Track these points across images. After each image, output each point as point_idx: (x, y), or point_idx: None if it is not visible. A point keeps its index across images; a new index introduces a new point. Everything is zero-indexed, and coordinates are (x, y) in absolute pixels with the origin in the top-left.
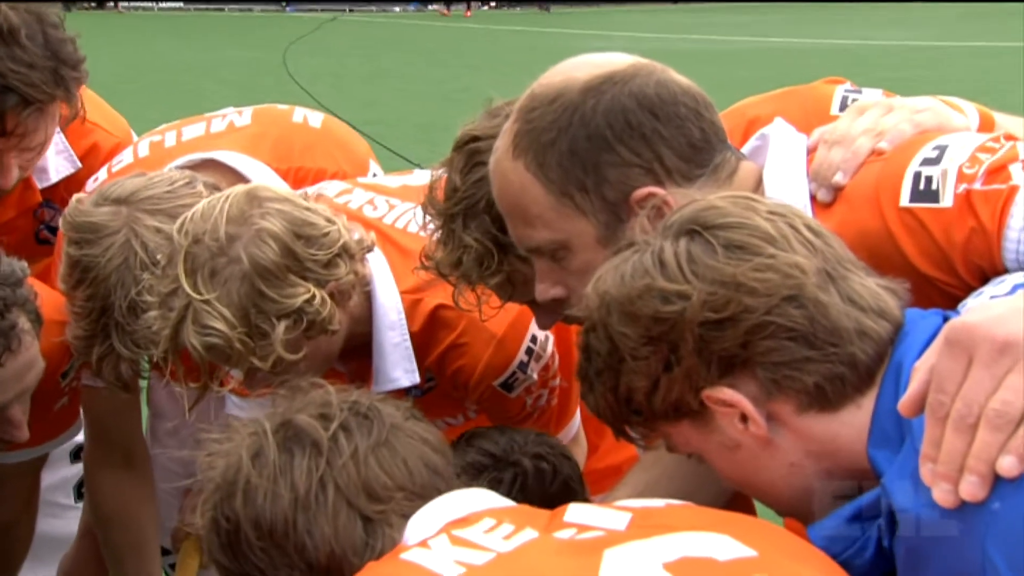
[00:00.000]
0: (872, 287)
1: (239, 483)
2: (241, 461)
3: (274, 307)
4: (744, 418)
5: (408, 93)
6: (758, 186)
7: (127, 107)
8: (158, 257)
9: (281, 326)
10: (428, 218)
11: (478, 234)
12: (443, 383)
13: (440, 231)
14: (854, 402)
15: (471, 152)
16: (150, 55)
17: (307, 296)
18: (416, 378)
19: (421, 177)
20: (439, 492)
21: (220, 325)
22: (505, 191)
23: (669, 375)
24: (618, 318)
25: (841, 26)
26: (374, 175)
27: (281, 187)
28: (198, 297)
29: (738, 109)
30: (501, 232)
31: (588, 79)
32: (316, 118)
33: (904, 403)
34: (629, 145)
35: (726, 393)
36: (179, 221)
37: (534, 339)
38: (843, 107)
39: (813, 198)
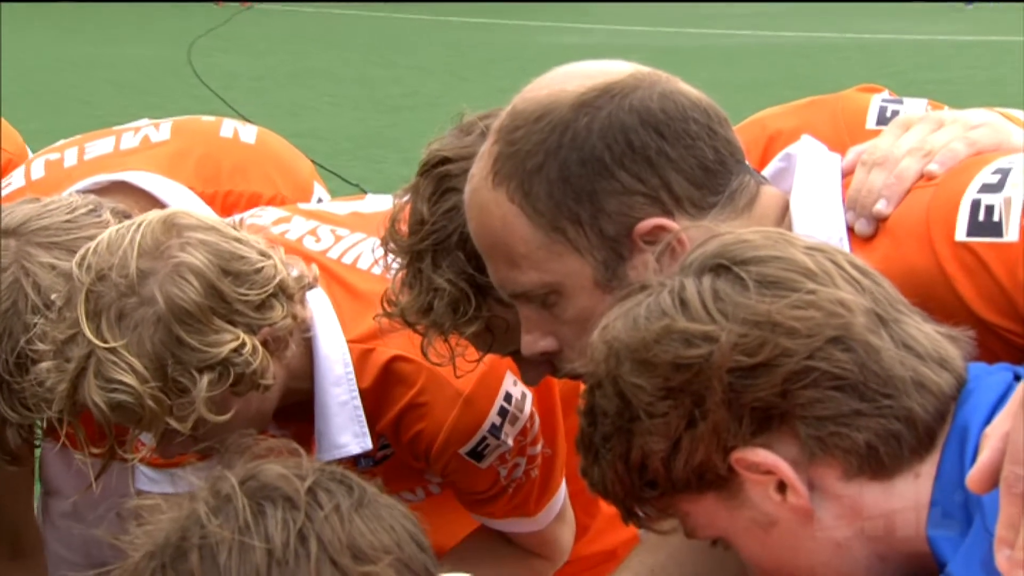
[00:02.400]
0: (931, 333)
1: (191, 540)
2: (196, 515)
3: (195, 357)
4: (782, 487)
5: (343, 99)
6: (783, 216)
7: None
8: (52, 298)
9: (204, 380)
10: (390, 256)
11: (451, 274)
12: (400, 451)
13: (405, 271)
14: (912, 469)
15: (440, 176)
16: (27, 52)
17: (235, 344)
18: (367, 444)
19: (374, 203)
20: (428, 573)
21: (129, 379)
22: (484, 226)
23: (693, 434)
24: (631, 368)
25: (864, 18)
26: (319, 200)
27: (206, 214)
28: (102, 345)
29: (757, 121)
30: (479, 271)
31: (580, 92)
32: (249, 132)
33: (973, 476)
34: (631, 170)
35: (761, 455)
36: (79, 254)
37: (508, 397)
38: (880, 120)
39: (850, 230)
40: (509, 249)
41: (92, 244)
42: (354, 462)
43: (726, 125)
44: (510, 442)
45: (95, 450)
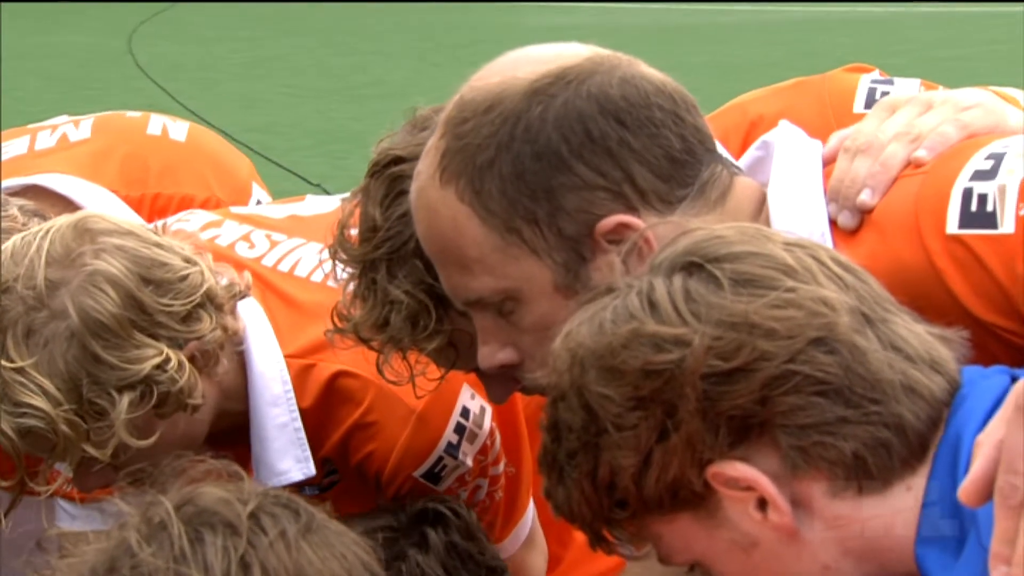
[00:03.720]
0: (921, 334)
1: (121, 571)
2: (126, 544)
3: (113, 376)
4: (763, 504)
5: (301, 90)
6: (760, 209)
7: None
8: None
9: (123, 401)
10: (339, 266)
11: (408, 285)
12: (348, 476)
13: (357, 283)
14: (903, 481)
15: (393, 178)
16: None
17: (158, 360)
18: (310, 470)
19: (314, 206)
20: None
21: (40, 402)
22: (432, 229)
23: (665, 447)
24: (597, 377)
25: None
26: (258, 202)
27: (125, 218)
28: (8, 365)
29: (737, 106)
30: (439, 281)
31: (533, 79)
32: (179, 128)
33: (966, 487)
34: (590, 162)
35: (739, 469)
36: None
37: (466, 412)
38: (869, 103)
39: (833, 224)
40: (460, 253)
41: None
42: (297, 489)
43: (694, 111)
44: (469, 462)
45: (3, 483)
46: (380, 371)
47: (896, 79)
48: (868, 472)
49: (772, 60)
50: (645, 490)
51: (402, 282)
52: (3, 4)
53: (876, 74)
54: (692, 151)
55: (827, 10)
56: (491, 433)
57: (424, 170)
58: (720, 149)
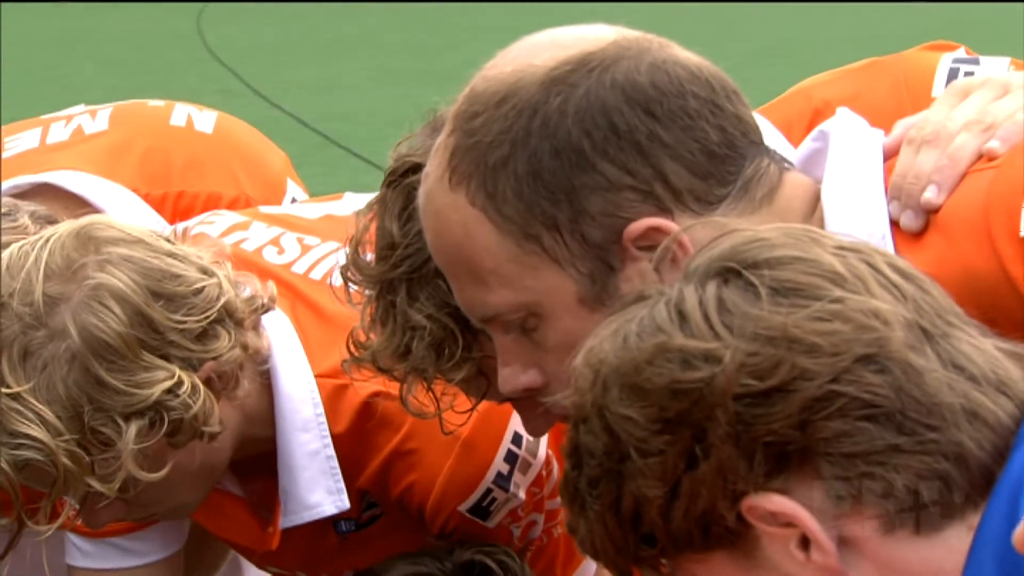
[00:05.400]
0: (989, 350)
1: None
2: None
3: (119, 401)
4: (805, 542)
5: (384, 73)
6: (813, 209)
7: None
8: None
9: (131, 429)
10: (354, 287)
11: (431, 308)
12: (390, 511)
13: (374, 306)
14: (964, 520)
15: (412, 188)
16: None
17: (169, 383)
18: (344, 503)
19: (353, 204)
20: None
21: (37, 431)
22: (441, 237)
23: (693, 476)
24: (620, 396)
25: None
26: (293, 200)
27: (139, 223)
28: (3, 391)
29: (801, 91)
30: None
31: (551, 67)
32: (206, 119)
33: (1020, 533)
34: (616, 159)
35: (777, 502)
36: None
37: (518, 439)
38: None
39: (895, 225)
40: (473, 264)
41: None
42: (332, 526)
43: (736, 99)
44: (522, 495)
45: (2, 521)
46: (403, 403)
47: (983, 58)
48: (924, 508)
49: (840, 37)
50: (673, 524)
51: (424, 305)
52: None
53: (961, 52)
54: (733, 144)
55: None
56: (547, 462)
57: (432, 172)
58: (779, 140)
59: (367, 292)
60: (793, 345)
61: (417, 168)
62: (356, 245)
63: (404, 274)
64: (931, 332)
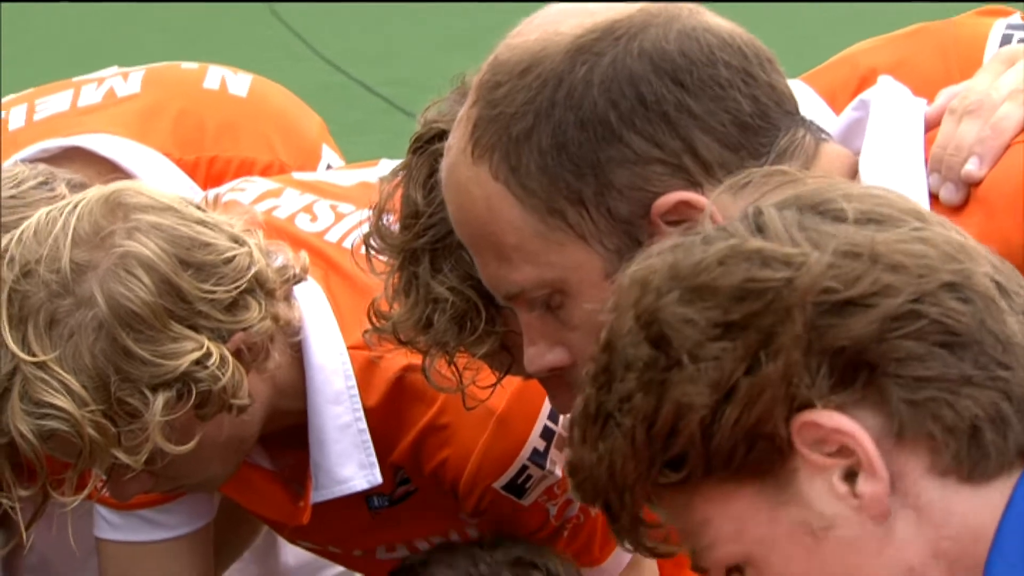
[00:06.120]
0: None
1: None
2: None
3: (146, 372)
4: (850, 475)
5: (449, 38)
6: (851, 181)
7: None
8: None
9: (158, 401)
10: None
11: (454, 280)
12: (424, 487)
13: (397, 276)
14: (1011, 476)
15: (438, 155)
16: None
17: (198, 354)
18: (376, 477)
19: (389, 170)
20: None
21: (63, 401)
22: (464, 212)
23: (752, 380)
24: (679, 297)
25: None
26: (328, 167)
27: (170, 189)
28: (28, 359)
29: (847, 58)
30: None
31: (577, 35)
32: (240, 82)
33: None
34: (643, 131)
35: (836, 420)
36: (2, 242)
37: (554, 415)
38: None
39: (934, 198)
40: (497, 240)
41: (17, 231)
42: (364, 501)
43: (771, 67)
44: (559, 472)
45: (23, 492)
46: (425, 376)
47: None
48: (982, 450)
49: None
50: (715, 439)
51: (447, 277)
52: None
53: (1016, 18)
54: (766, 115)
55: None
56: None
57: (454, 144)
58: (822, 109)
59: (390, 261)
60: (878, 260)
61: (444, 135)
62: (379, 212)
63: (427, 244)
64: (1003, 285)
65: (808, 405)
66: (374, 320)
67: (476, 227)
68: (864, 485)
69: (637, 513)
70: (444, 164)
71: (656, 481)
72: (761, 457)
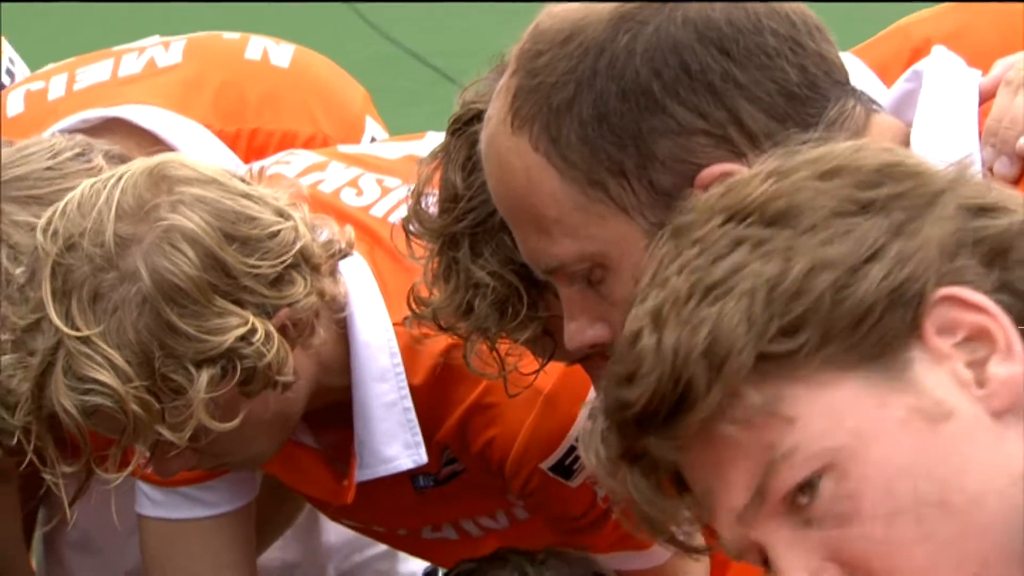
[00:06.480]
0: None
1: None
2: None
3: (191, 348)
4: (974, 365)
5: (501, 9)
6: None
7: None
8: (17, 272)
9: (203, 377)
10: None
11: (495, 265)
12: (471, 467)
13: (436, 261)
14: None
15: (477, 138)
16: None
17: (243, 330)
18: (421, 457)
19: (437, 143)
20: None
21: (107, 376)
22: (503, 184)
23: (904, 244)
24: (813, 175)
25: None
26: (372, 139)
27: (213, 162)
28: (72, 334)
29: (900, 29)
30: None
31: (619, 3)
32: (283, 53)
33: None
34: (687, 101)
35: (980, 298)
36: (45, 215)
37: None
38: None
39: (988, 171)
40: (537, 212)
41: (61, 203)
42: (410, 480)
43: (820, 35)
44: None
45: (66, 468)
46: (467, 362)
47: None
48: None
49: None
50: (845, 303)
51: (488, 261)
52: None
53: None
54: (815, 84)
55: None
56: None
57: (494, 114)
58: (872, 82)
59: (429, 246)
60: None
61: (482, 116)
62: (418, 196)
63: (467, 228)
64: None
65: (951, 284)
66: (414, 306)
67: (515, 199)
68: (998, 367)
69: (726, 393)
70: (483, 135)
71: (764, 350)
72: (884, 332)
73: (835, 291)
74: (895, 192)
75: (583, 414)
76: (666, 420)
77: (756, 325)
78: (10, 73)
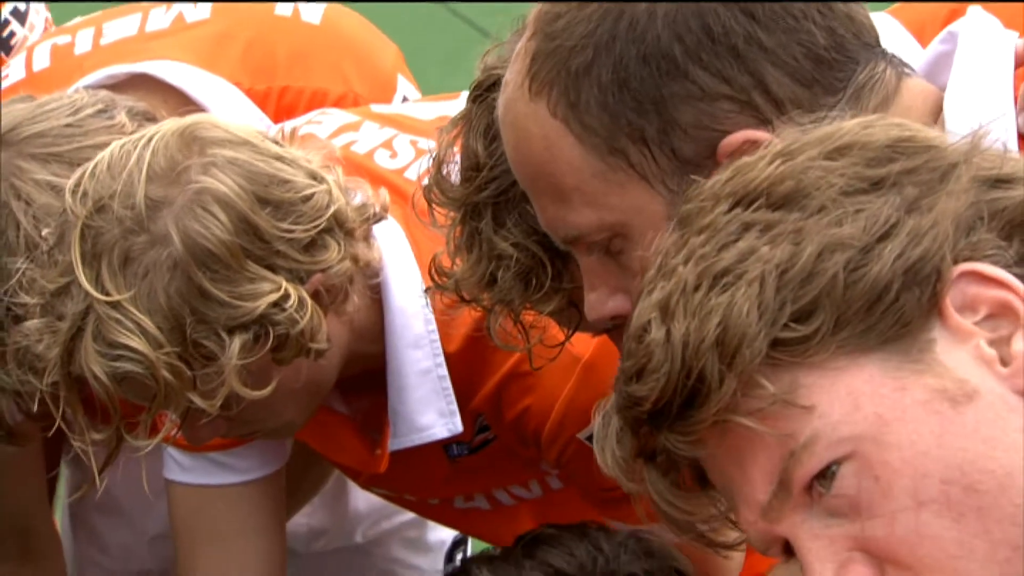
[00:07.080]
0: None
1: None
2: None
3: (223, 313)
4: (998, 343)
5: None
6: (935, 119)
7: None
8: (44, 233)
9: (235, 344)
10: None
11: (518, 235)
12: (503, 434)
13: (459, 230)
14: None
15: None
16: None
17: (276, 296)
18: (456, 426)
19: None
20: None
21: (137, 342)
22: (521, 151)
23: (918, 220)
24: (820, 155)
25: None
26: (404, 99)
27: (244, 122)
28: (102, 298)
29: None
30: None
31: None
32: (314, 9)
33: None
34: (710, 66)
35: (1000, 272)
36: (73, 177)
37: None
38: None
39: (1022, 138)
40: (555, 180)
41: (90, 164)
42: (443, 450)
43: None
44: None
45: (96, 435)
46: (490, 334)
47: None
48: None
49: None
50: (859, 284)
51: (511, 232)
52: None
53: None
54: (843, 47)
55: None
56: None
57: (512, 79)
58: (908, 43)
59: (451, 215)
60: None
61: None
62: (439, 164)
63: (489, 198)
64: None
65: (968, 260)
66: (435, 277)
67: (534, 167)
68: (1020, 344)
69: (740, 384)
70: (500, 101)
71: (777, 337)
72: (901, 312)
73: (848, 272)
74: (906, 168)
75: None
76: (679, 415)
77: (768, 312)
78: (16, 13)
